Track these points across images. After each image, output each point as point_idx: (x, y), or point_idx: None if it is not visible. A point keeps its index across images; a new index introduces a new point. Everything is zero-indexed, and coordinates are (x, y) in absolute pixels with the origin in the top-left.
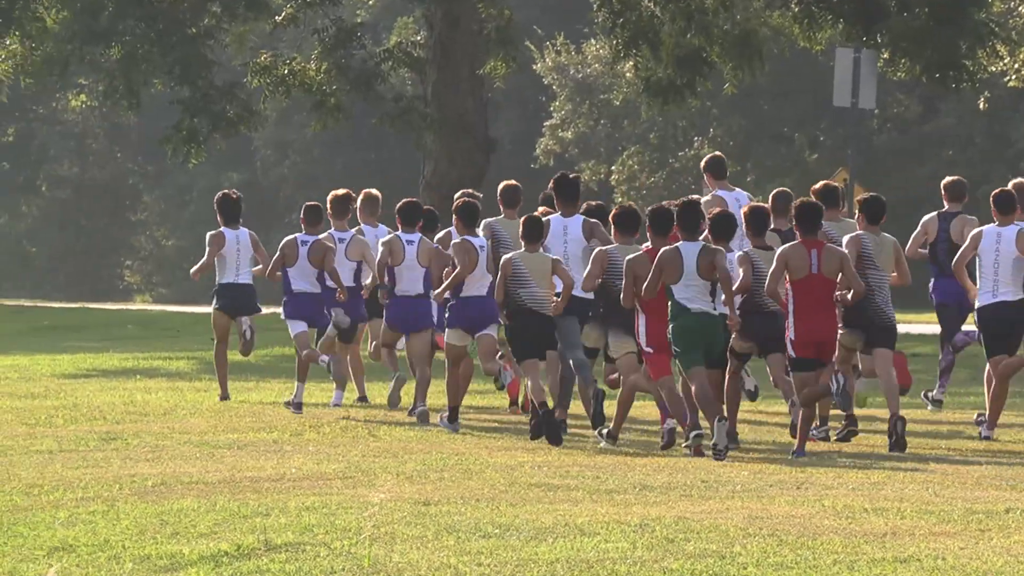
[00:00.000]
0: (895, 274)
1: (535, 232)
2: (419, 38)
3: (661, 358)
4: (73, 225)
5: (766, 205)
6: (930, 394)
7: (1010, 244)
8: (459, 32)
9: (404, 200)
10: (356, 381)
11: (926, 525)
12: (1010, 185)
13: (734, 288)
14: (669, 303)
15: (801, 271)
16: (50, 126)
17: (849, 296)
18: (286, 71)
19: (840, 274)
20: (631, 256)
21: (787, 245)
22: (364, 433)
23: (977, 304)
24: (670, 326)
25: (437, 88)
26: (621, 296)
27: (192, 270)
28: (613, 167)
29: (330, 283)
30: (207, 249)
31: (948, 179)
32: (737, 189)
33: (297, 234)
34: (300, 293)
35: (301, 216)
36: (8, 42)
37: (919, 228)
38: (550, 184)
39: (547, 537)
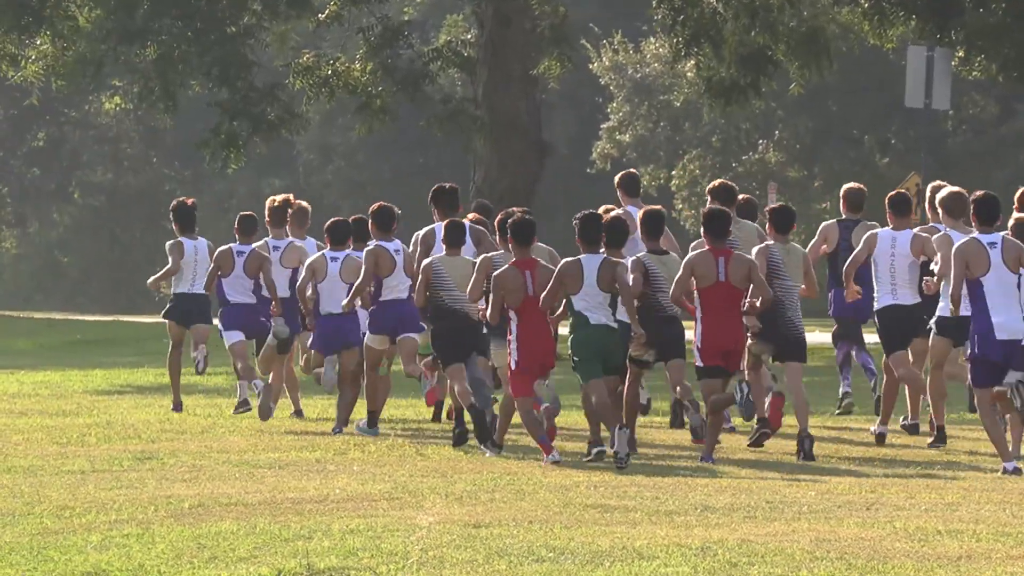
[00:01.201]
0: (803, 286)
1: (457, 237)
2: (469, 36)
3: (525, 379)
4: (107, 234)
5: (661, 209)
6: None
7: (905, 248)
8: (511, 30)
9: (332, 219)
10: (291, 396)
11: (1003, 548)
12: (942, 191)
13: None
14: (570, 315)
15: (708, 279)
16: (83, 130)
17: (758, 303)
18: (330, 72)
19: (749, 283)
20: (499, 270)
21: (695, 252)
22: (411, 452)
23: (876, 306)
24: (570, 337)
25: (488, 89)
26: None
27: (151, 280)
28: (673, 172)
29: (266, 293)
30: (170, 258)
31: (847, 187)
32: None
33: (232, 244)
34: (236, 304)
35: (235, 226)
36: (39, 42)
37: (817, 236)
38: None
39: (604, 561)
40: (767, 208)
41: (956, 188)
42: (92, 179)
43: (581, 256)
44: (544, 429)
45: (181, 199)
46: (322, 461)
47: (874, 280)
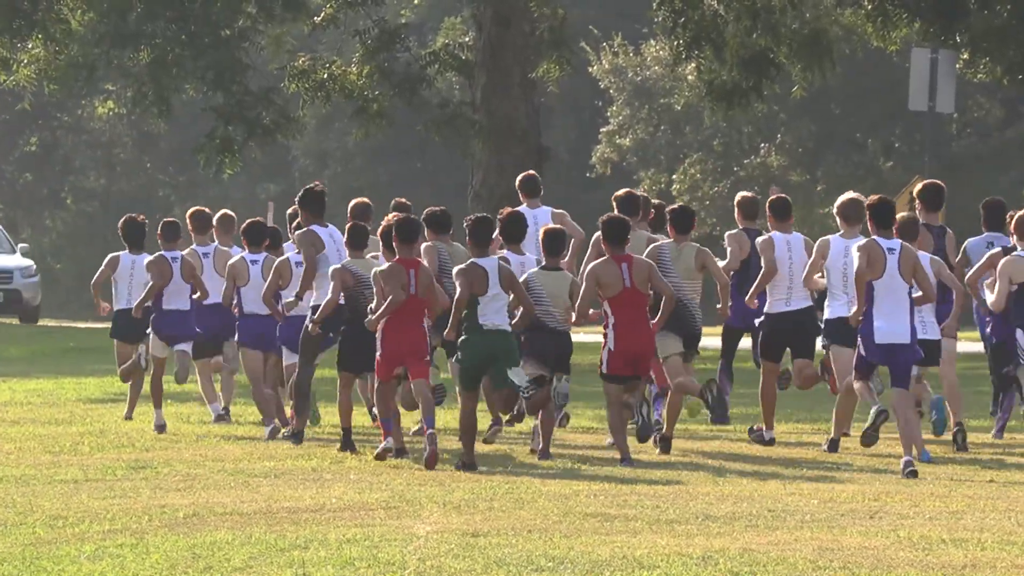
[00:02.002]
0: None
1: (360, 240)
2: (467, 39)
3: (387, 367)
4: (100, 240)
5: (561, 229)
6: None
7: (800, 252)
8: (510, 33)
9: (248, 220)
10: (224, 397)
11: (1008, 557)
12: (840, 197)
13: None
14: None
15: (615, 287)
16: (75, 135)
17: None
18: (326, 75)
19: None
20: (377, 269)
21: (595, 263)
22: (408, 461)
23: (770, 310)
24: (460, 339)
25: (486, 93)
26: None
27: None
28: (674, 176)
29: (195, 296)
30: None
31: (740, 195)
32: (543, 207)
33: (164, 252)
34: (172, 311)
35: (159, 232)
36: (31, 46)
37: (729, 243)
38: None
39: (604, 571)
40: (668, 208)
41: (853, 194)
42: (85, 185)
43: (480, 259)
44: (392, 413)
45: (131, 215)
46: (318, 470)
47: (769, 284)
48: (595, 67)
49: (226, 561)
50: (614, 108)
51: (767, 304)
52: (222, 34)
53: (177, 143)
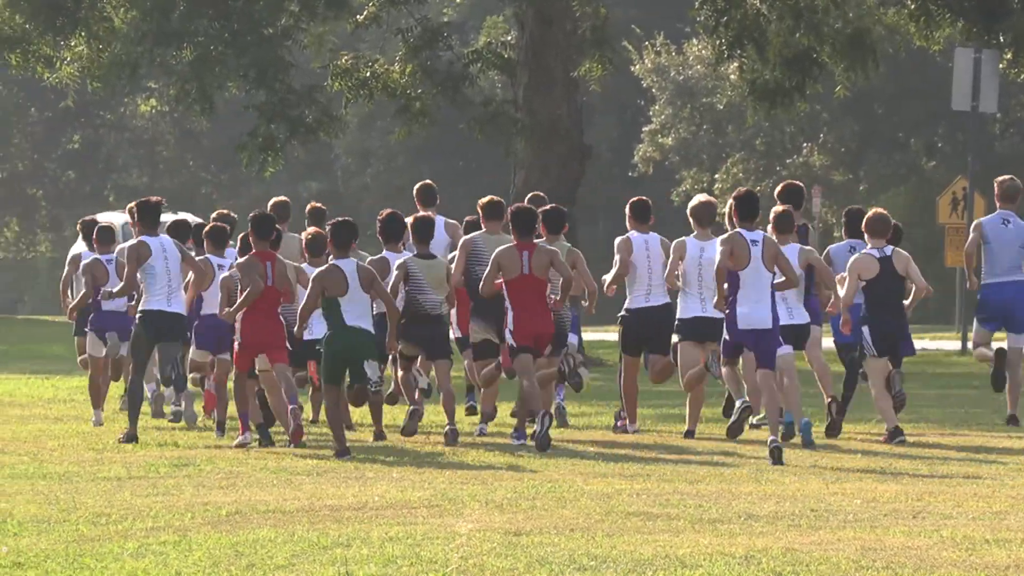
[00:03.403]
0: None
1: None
2: (509, 38)
3: (246, 355)
4: None
5: (430, 216)
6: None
7: (657, 250)
8: (552, 32)
9: (213, 224)
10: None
11: None
12: (692, 200)
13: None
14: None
15: (513, 271)
16: (118, 133)
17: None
18: (368, 74)
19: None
20: (240, 261)
21: (501, 248)
22: (451, 459)
23: (630, 305)
24: (324, 336)
25: (529, 91)
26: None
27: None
28: (716, 175)
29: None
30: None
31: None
32: (436, 216)
33: (101, 256)
34: (109, 312)
35: (95, 236)
36: (74, 44)
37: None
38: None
39: (646, 570)
40: (541, 209)
41: (704, 197)
42: (128, 182)
43: (338, 261)
44: (248, 406)
45: (90, 218)
46: (361, 468)
47: (633, 282)
48: (637, 66)
49: (269, 559)
50: (656, 107)
51: (627, 300)
52: (265, 32)
53: (219, 141)
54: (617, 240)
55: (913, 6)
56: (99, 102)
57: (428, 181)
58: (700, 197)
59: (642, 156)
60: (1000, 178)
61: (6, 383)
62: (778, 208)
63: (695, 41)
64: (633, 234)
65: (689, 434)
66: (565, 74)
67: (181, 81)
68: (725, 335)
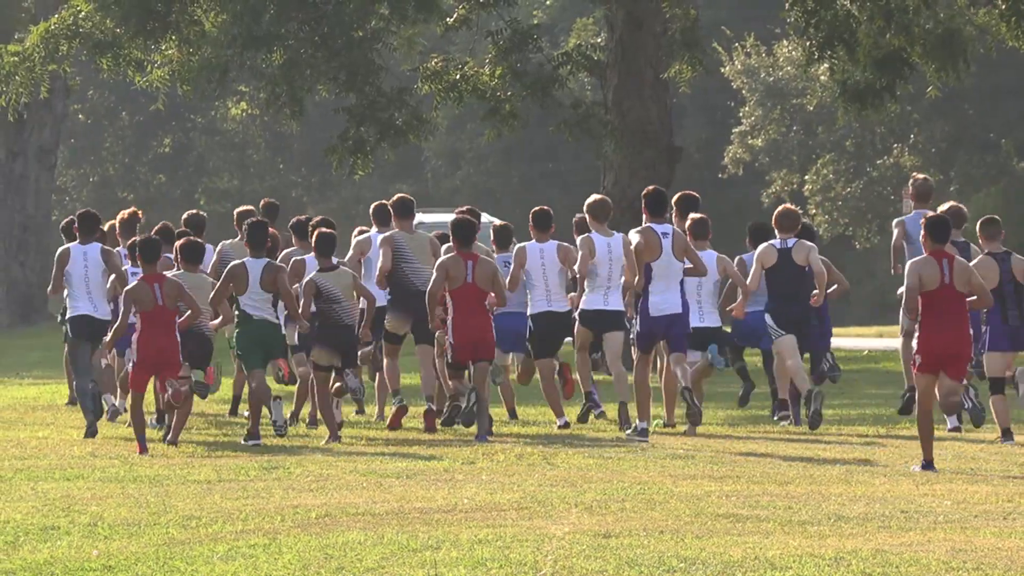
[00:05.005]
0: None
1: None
2: (599, 40)
3: (141, 376)
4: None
5: (331, 233)
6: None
7: (552, 257)
8: (642, 34)
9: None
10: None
11: None
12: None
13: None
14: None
15: (458, 281)
16: (209, 136)
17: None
18: (458, 76)
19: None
20: (130, 286)
21: (446, 257)
22: (540, 461)
23: (531, 311)
24: (235, 331)
25: (618, 93)
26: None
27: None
28: (807, 176)
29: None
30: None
31: (592, 199)
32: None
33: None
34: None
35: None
36: (164, 47)
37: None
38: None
39: (736, 571)
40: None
41: (599, 196)
42: (218, 186)
43: (245, 259)
44: (142, 425)
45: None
46: (450, 470)
47: (530, 287)
48: (727, 67)
49: (358, 561)
50: (746, 108)
51: (530, 306)
52: (355, 35)
53: (309, 144)
54: (517, 247)
55: (1004, 6)
56: (190, 106)
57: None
58: (595, 196)
59: (732, 157)
60: (915, 178)
61: None
62: (696, 215)
63: (785, 42)
64: (530, 244)
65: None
66: (655, 76)
67: (271, 84)
68: (638, 327)
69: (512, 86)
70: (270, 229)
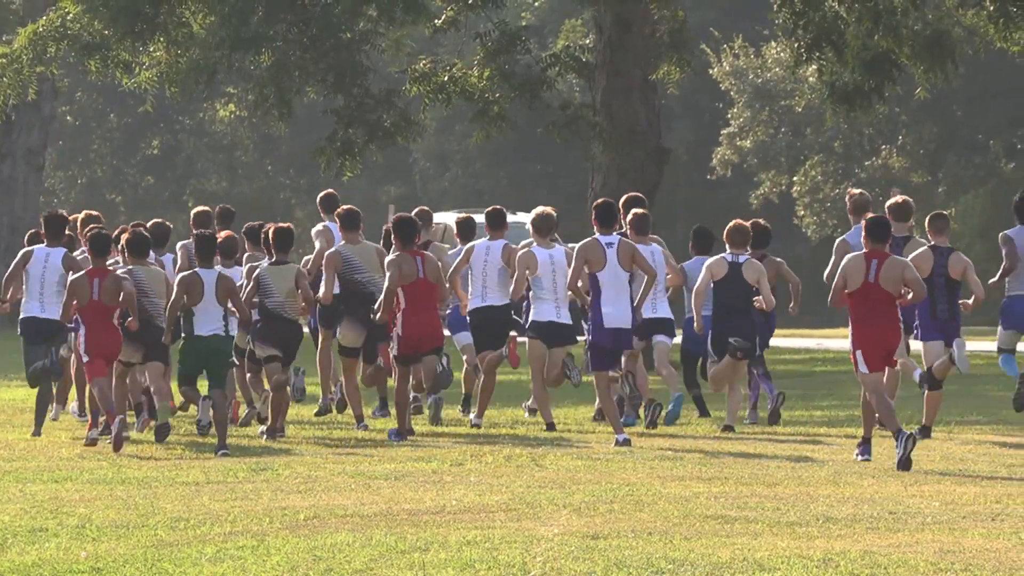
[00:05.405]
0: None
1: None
2: (587, 42)
3: (96, 364)
4: None
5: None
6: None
7: (496, 256)
8: (630, 35)
9: (155, 222)
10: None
11: None
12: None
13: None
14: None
15: (410, 277)
16: (197, 138)
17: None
18: (446, 78)
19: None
20: (74, 276)
21: (395, 255)
22: (529, 462)
23: (469, 307)
24: (181, 342)
25: (606, 95)
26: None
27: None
28: (795, 178)
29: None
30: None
31: (536, 212)
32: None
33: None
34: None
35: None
36: (152, 49)
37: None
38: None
39: (724, 573)
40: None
41: (544, 208)
42: (206, 187)
43: (197, 269)
44: (110, 404)
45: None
46: (438, 472)
47: (469, 284)
48: (716, 69)
49: (347, 563)
50: (735, 110)
51: (470, 303)
52: (343, 37)
53: (298, 146)
54: (463, 249)
55: (992, 8)
56: (178, 108)
57: (331, 190)
58: (540, 208)
59: (720, 159)
60: (851, 193)
61: None
62: (638, 211)
63: (773, 44)
64: (479, 241)
65: (549, 426)
66: (643, 77)
67: (259, 86)
68: (591, 337)
69: (500, 88)
70: (226, 233)
